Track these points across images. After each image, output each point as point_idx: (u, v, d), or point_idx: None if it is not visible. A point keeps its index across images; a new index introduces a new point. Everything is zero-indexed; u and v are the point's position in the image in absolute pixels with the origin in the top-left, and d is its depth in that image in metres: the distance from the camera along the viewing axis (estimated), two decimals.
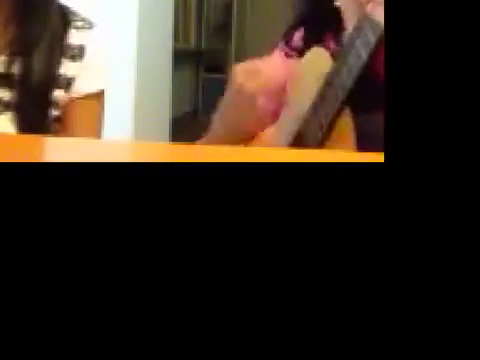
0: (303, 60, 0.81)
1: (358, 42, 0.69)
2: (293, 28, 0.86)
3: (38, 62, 1.05)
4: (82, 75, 1.11)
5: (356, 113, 0.71)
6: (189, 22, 5.44)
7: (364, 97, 0.69)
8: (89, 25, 1.15)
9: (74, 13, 1.14)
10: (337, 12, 0.77)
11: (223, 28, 5.57)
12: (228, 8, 5.55)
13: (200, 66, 5.70)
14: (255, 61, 0.81)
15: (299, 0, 0.84)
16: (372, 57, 0.69)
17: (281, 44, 0.88)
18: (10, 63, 1.04)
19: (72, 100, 1.10)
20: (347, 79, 0.69)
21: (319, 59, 0.78)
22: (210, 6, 5.64)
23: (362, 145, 0.69)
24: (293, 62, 0.81)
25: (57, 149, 0.54)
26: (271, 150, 0.67)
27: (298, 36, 0.84)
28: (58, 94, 1.08)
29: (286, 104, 0.79)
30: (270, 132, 0.80)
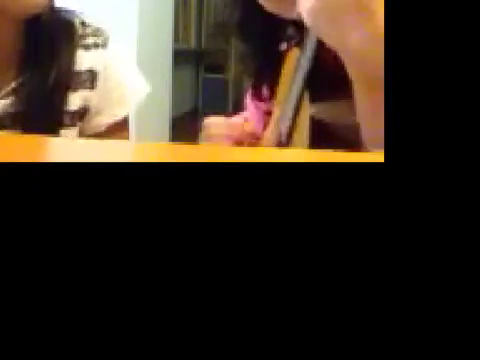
0: (286, 61, 0.84)
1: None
2: (258, 83, 0.89)
3: (42, 100, 0.88)
4: (96, 105, 0.93)
5: (311, 102, 0.76)
6: (189, 22, 5.44)
7: (317, 86, 0.75)
8: (103, 41, 0.92)
9: (84, 24, 0.92)
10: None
11: (223, 28, 5.58)
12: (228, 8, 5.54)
13: (200, 66, 5.71)
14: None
15: (254, 64, 0.87)
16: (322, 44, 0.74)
17: (252, 99, 0.91)
18: (12, 104, 0.89)
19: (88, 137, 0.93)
20: (305, 62, 0.75)
21: (295, 58, 0.81)
22: (210, 6, 5.65)
23: (315, 133, 0.75)
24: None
25: (57, 149, 0.54)
26: (271, 150, 0.67)
27: (265, 90, 0.88)
28: (68, 131, 0.91)
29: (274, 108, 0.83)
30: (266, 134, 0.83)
